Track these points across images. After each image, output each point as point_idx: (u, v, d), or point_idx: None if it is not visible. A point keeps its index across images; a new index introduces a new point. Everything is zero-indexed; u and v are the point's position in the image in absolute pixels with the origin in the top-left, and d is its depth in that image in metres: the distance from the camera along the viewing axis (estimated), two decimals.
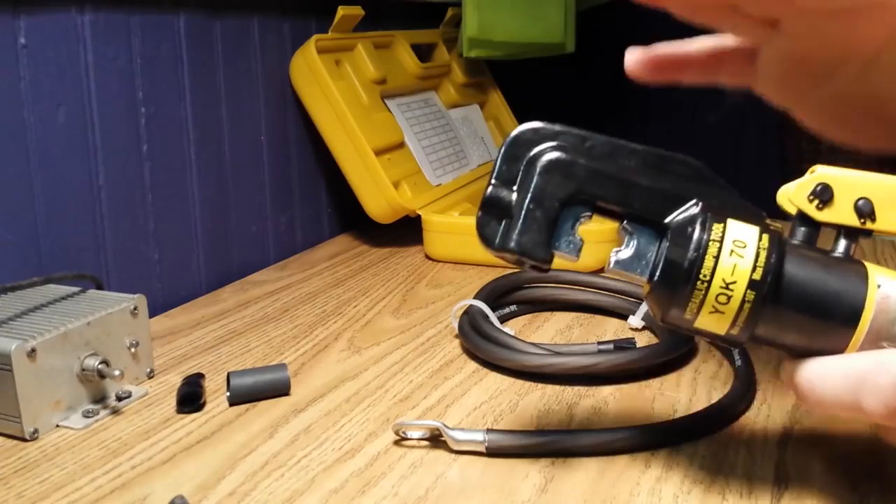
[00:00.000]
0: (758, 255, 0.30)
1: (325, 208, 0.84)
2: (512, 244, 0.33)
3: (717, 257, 0.30)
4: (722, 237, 0.30)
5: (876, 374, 0.28)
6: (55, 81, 0.53)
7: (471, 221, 0.71)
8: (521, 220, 0.32)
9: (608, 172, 0.32)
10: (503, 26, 0.94)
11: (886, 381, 0.28)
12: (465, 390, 0.46)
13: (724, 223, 0.30)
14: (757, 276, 0.30)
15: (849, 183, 0.31)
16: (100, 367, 0.43)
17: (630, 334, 0.54)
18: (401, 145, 0.80)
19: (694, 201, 0.32)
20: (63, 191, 0.55)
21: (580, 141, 0.33)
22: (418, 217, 0.74)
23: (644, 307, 0.54)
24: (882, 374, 0.28)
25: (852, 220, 0.31)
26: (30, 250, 0.53)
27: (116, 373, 0.43)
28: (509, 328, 0.52)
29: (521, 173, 0.33)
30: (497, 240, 0.33)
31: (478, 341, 0.49)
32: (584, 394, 0.45)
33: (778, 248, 0.30)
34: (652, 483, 0.35)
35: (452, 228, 0.72)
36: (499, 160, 0.33)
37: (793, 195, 0.32)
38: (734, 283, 0.30)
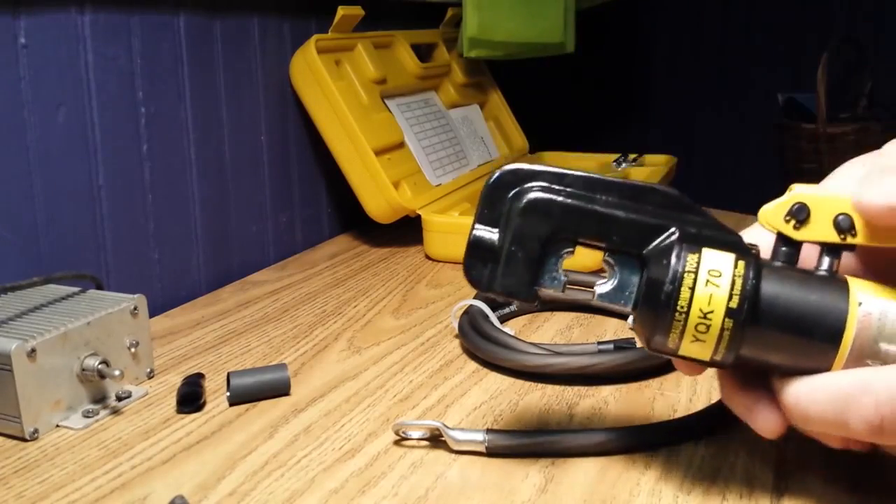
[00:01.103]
0: (733, 283, 0.30)
1: (325, 208, 0.84)
2: (497, 287, 0.33)
3: (692, 288, 0.30)
4: (697, 268, 0.30)
5: (859, 394, 0.29)
6: (55, 81, 0.53)
7: (471, 221, 0.72)
8: (504, 263, 0.33)
9: (586, 209, 0.33)
10: (503, 26, 0.94)
11: (869, 401, 0.28)
12: (465, 390, 0.46)
13: (699, 253, 0.31)
14: (734, 304, 0.30)
15: (826, 200, 0.31)
16: (100, 367, 0.43)
17: (630, 334, 0.54)
18: (401, 145, 0.80)
19: (671, 230, 0.32)
20: (63, 191, 0.55)
21: (557, 179, 0.33)
22: (418, 217, 0.74)
23: None
24: (865, 395, 0.28)
25: (832, 237, 0.31)
26: (30, 250, 0.53)
27: (116, 373, 0.43)
28: (509, 328, 0.52)
29: (502, 216, 0.33)
30: (484, 282, 0.34)
31: (478, 341, 0.49)
32: (584, 394, 0.45)
33: (754, 273, 0.30)
34: (652, 483, 0.35)
35: (452, 228, 0.72)
36: (480, 204, 0.34)
37: (769, 215, 0.32)
38: (711, 312, 0.30)
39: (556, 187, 0.33)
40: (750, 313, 0.30)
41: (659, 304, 0.31)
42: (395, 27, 0.89)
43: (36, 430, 0.41)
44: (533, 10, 1.00)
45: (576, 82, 1.49)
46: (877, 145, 0.33)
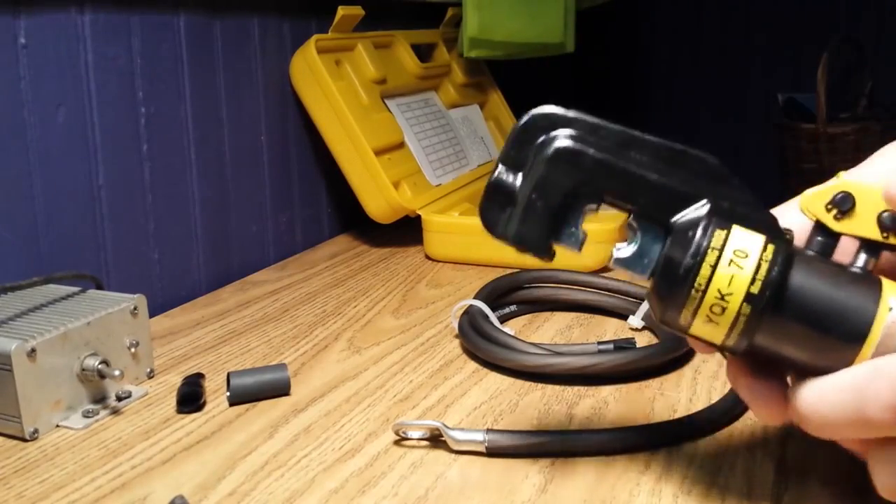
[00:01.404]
0: (758, 266, 0.28)
1: (325, 208, 0.84)
2: (511, 235, 0.32)
3: (714, 266, 0.29)
4: (723, 245, 0.29)
5: (874, 380, 0.27)
6: (55, 81, 0.53)
7: (471, 221, 0.72)
8: (522, 211, 0.31)
9: (616, 165, 0.31)
10: (503, 26, 0.94)
11: (884, 384, 0.26)
12: (465, 390, 0.46)
13: (728, 230, 0.29)
14: (755, 289, 0.28)
15: (874, 193, 0.29)
16: (100, 367, 0.43)
17: (630, 334, 0.54)
18: (401, 145, 0.80)
19: (703, 202, 0.30)
20: (63, 191, 0.55)
21: (592, 130, 0.31)
22: (418, 217, 0.74)
23: (644, 307, 0.54)
24: (880, 379, 0.27)
25: (874, 234, 0.29)
26: (30, 250, 0.53)
27: (116, 373, 0.43)
28: (509, 328, 0.52)
29: (528, 160, 0.32)
30: (499, 227, 0.32)
31: (478, 341, 0.49)
32: (584, 394, 0.45)
33: (783, 259, 0.29)
34: (652, 483, 0.35)
35: (452, 228, 0.72)
36: (507, 144, 0.32)
37: (810, 201, 0.30)
38: (730, 294, 0.29)
39: (589, 138, 0.31)
40: (771, 301, 0.28)
41: (676, 277, 0.29)
42: (395, 27, 0.89)
43: (36, 430, 0.41)
44: (533, 11, 1.00)
45: (576, 82, 1.49)
46: (877, 145, 0.33)
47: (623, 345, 0.49)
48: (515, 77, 1.13)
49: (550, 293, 0.58)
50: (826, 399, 0.28)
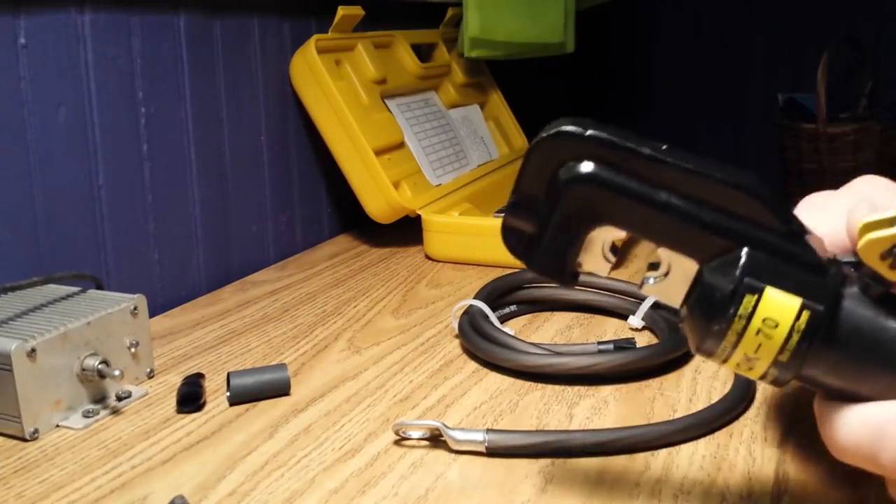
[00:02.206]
0: (789, 337, 0.27)
1: (325, 208, 0.84)
2: (534, 265, 0.30)
3: (741, 334, 0.27)
4: (751, 314, 0.27)
5: (892, 425, 0.26)
6: (55, 81, 0.53)
7: (471, 221, 0.72)
8: (544, 242, 0.29)
9: (641, 207, 0.28)
10: (504, 26, 0.95)
11: None
12: (465, 390, 0.46)
13: (761, 294, 0.27)
14: (784, 358, 0.27)
15: None
16: (100, 367, 0.43)
17: (630, 334, 0.54)
18: (401, 145, 0.80)
19: (737, 252, 0.27)
20: (63, 191, 0.55)
21: (617, 155, 0.28)
22: (418, 217, 0.74)
23: (644, 307, 0.54)
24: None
25: None
26: (30, 250, 0.53)
27: (116, 373, 0.43)
28: (509, 328, 0.52)
29: (551, 182, 0.29)
30: (520, 254, 0.31)
31: (478, 341, 0.49)
32: (584, 394, 0.45)
33: (818, 328, 0.26)
34: (652, 483, 0.35)
35: (452, 228, 0.72)
36: (527, 160, 0.30)
37: (863, 248, 0.26)
38: (757, 359, 0.27)
39: (617, 164, 0.28)
40: (801, 365, 0.27)
41: (705, 333, 0.28)
42: (395, 27, 0.89)
43: (36, 430, 0.41)
44: (533, 11, 1.00)
45: (576, 82, 1.49)
46: (876, 145, 0.32)
47: (623, 345, 0.49)
48: (515, 77, 1.13)
49: (550, 293, 0.58)
50: (845, 430, 0.27)
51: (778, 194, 0.28)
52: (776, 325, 0.27)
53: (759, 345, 0.27)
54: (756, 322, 0.27)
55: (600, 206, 0.29)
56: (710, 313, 0.27)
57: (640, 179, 0.28)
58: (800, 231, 0.28)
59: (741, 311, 0.27)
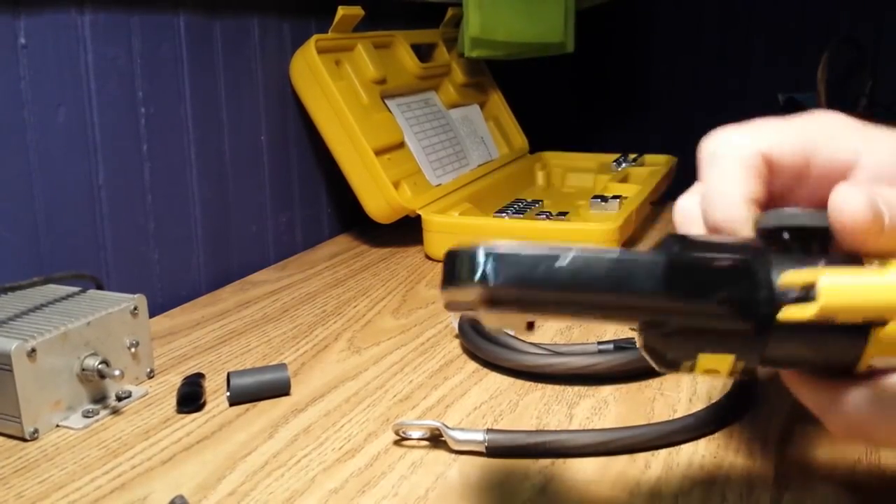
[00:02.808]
0: (731, 374, 0.28)
1: (325, 208, 0.84)
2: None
3: (691, 370, 0.28)
4: (692, 368, 0.28)
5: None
6: (55, 81, 0.53)
7: (471, 221, 0.72)
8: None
9: (566, 303, 0.27)
10: (504, 26, 0.95)
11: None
12: (465, 390, 0.46)
13: (693, 360, 0.28)
14: (735, 375, 0.29)
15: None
16: (100, 367, 0.43)
17: (630, 334, 0.54)
18: (401, 145, 0.80)
19: (664, 326, 0.27)
20: (63, 191, 0.55)
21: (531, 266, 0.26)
22: (418, 217, 0.74)
23: None
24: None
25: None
26: (30, 250, 0.53)
27: (116, 373, 0.43)
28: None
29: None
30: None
31: (478, 341, 0.49)
32: (584, 394, 0.45)
33: (753, 367, 0.28)
34: (652, 483, 0.35)
35: (452, 228, 0.72)
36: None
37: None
38: (716, 371, 0.28)
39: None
40: (755, 370, 0.28)
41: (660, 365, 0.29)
42: (395, 27, 0.89)
43: (36, 430, 0.41)
44: (534, 10, 1.00)
45: (576, 82, 1.49)
46: None
47: (623, 345, 0.49)
48: (515, 77, 1.13)
49: None
50: (856, 407, 0.28)
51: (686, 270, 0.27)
52: (717, 371, 0.28)
53: (710, 372, 0.28)
54: (698, 371, 0.28)
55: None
56: (660, 366, 0.29)
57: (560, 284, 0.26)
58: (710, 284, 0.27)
59: (682, 368, 0.28)
